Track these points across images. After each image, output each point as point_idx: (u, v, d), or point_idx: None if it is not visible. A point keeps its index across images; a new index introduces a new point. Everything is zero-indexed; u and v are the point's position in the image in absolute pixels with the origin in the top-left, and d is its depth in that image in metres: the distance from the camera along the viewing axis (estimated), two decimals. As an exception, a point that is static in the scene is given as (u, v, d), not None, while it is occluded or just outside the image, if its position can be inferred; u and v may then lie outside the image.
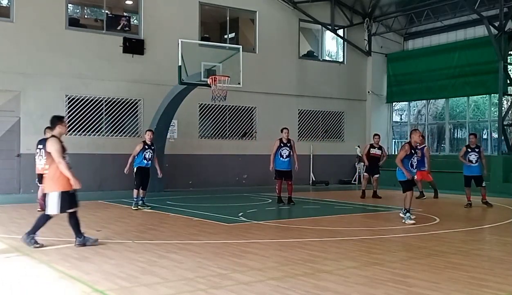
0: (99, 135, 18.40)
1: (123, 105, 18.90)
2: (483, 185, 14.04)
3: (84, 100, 18.17)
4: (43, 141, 10.50)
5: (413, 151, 10.78)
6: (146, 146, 12.81)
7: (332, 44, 25.62)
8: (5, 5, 18.17)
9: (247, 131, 21.47)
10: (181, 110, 18.15)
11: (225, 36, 21.79)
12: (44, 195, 8.63)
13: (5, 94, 16.75)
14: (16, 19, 17.11)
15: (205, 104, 20.10)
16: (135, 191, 12.83)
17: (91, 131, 18.28)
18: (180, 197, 14.72)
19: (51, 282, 6.02)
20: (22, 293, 5.63)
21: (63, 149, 7.95)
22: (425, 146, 16.61)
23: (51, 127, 8.23)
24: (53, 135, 8.05)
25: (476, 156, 13.85)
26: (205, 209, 13.06)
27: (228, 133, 21.17)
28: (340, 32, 24.18)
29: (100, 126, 18.50)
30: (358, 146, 23.45)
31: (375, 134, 17.18)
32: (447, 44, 23.28)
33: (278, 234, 9.51)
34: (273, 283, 5.91)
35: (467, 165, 13.88)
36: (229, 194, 17.24)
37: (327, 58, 24.97)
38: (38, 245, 7.91)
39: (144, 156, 12.74)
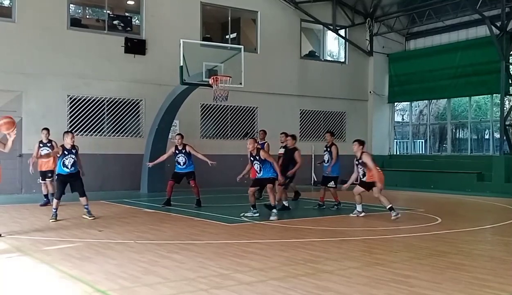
0: (101, 135, 18.41)
1: (124, 105, 18.92)
2: (329, 185, 13.38)
3: (86, 100, 18.19)
4: None
5: (251, 158, 11.65)
6: (66, 152, 11.08)
7: (333, 44, 25.60)
8: (7, 5, 18.19)
9: (248, 131, 21.47)
10: (183, 110, 18.15)
11: (227, 36, 21.79)
12: None
13: (7, 94, 16.77)
14: (18, 19, 17.13)
15: (207, 104, 20.11)
16: (54, 201, 11.03)
17: (93, 131, 18.30)
18: (182, 197, 14.71)
19: (53, 282, 6.03)
20: (23, 293, 5.63)
21: None
22: (266, 142, 15.74)
23: None
24: None
25: (328, 155, 13.45)
26: (206, 209, 13.06)
27: (229, 134, 21.18)
28: (342, 32, 24.18)
29: (102, 126, 18.52)
30: (360, 146, 23.39)
31: (282, 133, 14.62)
32: (449, 44, 23.27)
33: (280, 234, 9.51)
34: (274, 283, 5.90)
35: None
36: (231, 194, 17.23)
37: (328, 58, 24.95)
38: None
39: (63, 162, 11.05)
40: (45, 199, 13.44)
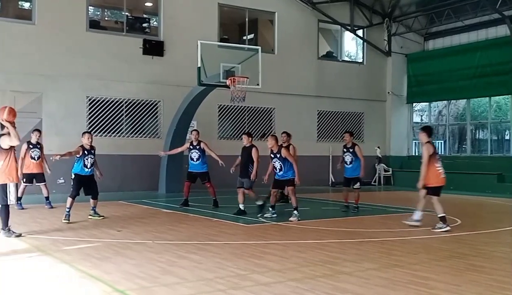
0: (119, 136, 18.55)
1: (143, 106, 19.04)
2: (355, 187, 12.93)
3: (104, 101, 18.35)
4: None
5: (272, 155, 11.49)
6: (86, 152, 11.00)
7: (351, 45, 25.51)
8: (27, 8, 18.43)
9: (266, 132, 21.45)
10: (201, 111, 18.21)
11: (244, 37, 21.82)
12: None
13: (28, 95, 16.98)
14: (37, 22, 17.33)
15: (224, 105, 20.15)
16: (69, 200, 10.74)
17: (111, 132, 18.44)
18: (199, 197, 14.75)
19: (73, 281, 6.09)
20: (44, 292, 5.70)
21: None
22: (291, 145, 15.40)
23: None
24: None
25: (350, 156, 12.82)
26: (223, 209, 13.08)
27: (247, 134, 21.17)
28: (360, 32, 24.07)
29: (121, 127, 18.66)
30: (378, 147, 23.31)
31: (283, 133, 14.40)
32: (468, 44, 23.03)
33: (297, 235, 9.49)
34: (292, 284, 5.90)
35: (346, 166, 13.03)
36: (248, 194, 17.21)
37: (346, 58, 24.87)
38: (17, 234, 8.78)
39: (84, 162, 10.95)
40: (19, 202, 12.62)
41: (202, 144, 13.47)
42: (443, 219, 9.98)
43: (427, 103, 26.24)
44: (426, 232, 9.77)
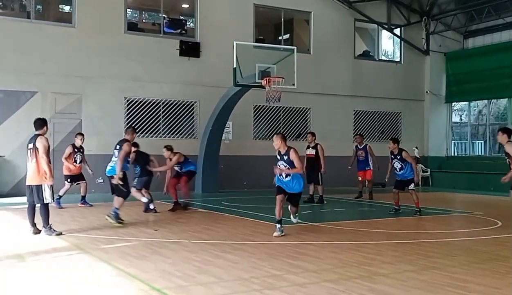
0: (156, 136, 18.77)
1: (179, 107, 19.23)
2: (410, 188, 12.35)
3: (142, 102, 18.61)
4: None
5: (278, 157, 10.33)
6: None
7: (388, 44, 25.22)
8: (67, 11, 18.86)
9: (301, 132, 21.39)
10: (236, 111, 18.28)
11: (280, 38, 21.80)
12: None
13: (68, 97, 17.38)
14: (77, 25, 17.71)
15: (260, 105, 20.17)
16: (120, 200, 10.43)
17: (148, 132, 18.68)
18: (235, 197, 14.81)
19: (111, 279, 6.19)
20: (83, 289, 5.81)
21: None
22: (367, 145, 16.46)
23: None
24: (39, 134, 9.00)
25: (399, 163, 12.28)
26: (259, 209, 13.09)
27: (282, 135, 21.15)
28: (397, 31, 23.78)
29: (158, 128, 18.89)
30: (416, 147, 22.95)
31: (309, 133, 15.42)
32: (510, 42, 22.46)
33: (333, 236, 9.43)
34: (328, 285, 5.86)
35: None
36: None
37: (383, 58, 24.59)
38: (58, 232, 8.98)
39: (127, 159, 10.70)
40: (58, 200, 12.91)
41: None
42: None
43: (467, 103, 25.72)
44: (465, 234, 9.57)
